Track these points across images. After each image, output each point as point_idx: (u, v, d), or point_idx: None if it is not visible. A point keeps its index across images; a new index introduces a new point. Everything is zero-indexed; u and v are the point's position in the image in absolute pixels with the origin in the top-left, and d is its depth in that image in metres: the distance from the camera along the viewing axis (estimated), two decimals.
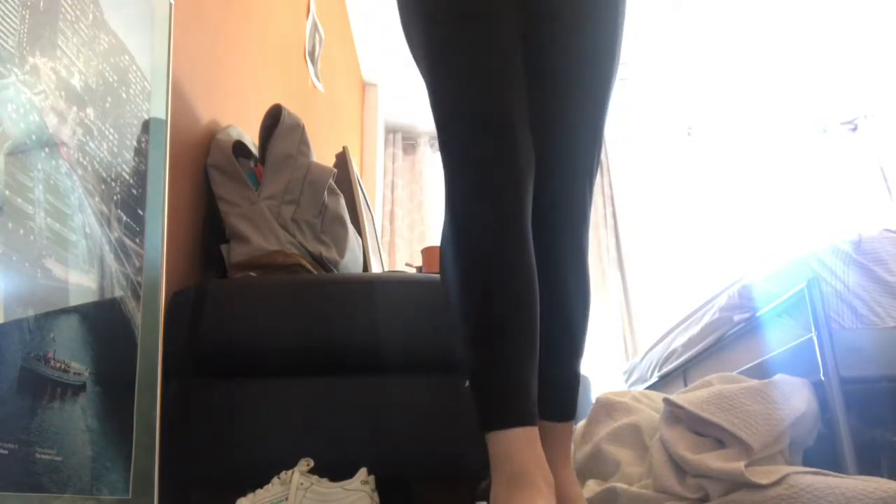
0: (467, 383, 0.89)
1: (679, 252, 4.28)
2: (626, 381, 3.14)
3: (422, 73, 0.99)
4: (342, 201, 1.59)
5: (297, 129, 1.53)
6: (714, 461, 1.10)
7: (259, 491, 0.93)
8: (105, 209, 0.93)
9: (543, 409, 0.91)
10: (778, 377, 1.28)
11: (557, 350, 1.00)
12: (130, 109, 1.03)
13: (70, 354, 0.82)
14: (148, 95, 1.09)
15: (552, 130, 1.01)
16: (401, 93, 4.23)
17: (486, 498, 0.86)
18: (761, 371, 1.70)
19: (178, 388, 1.16)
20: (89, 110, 0.90)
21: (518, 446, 0.83)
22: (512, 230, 0.88)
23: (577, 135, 1.03)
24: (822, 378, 1.40)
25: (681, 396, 1.24)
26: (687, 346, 2.33)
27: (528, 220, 0.90)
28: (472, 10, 0.94)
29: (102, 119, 0.94)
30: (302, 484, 0.92)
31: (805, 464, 1.21)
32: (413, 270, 2.27)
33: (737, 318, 1.97)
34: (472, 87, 0.92)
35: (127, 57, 1.03)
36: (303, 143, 1.53)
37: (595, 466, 1.39)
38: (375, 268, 2.02)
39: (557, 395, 0.99)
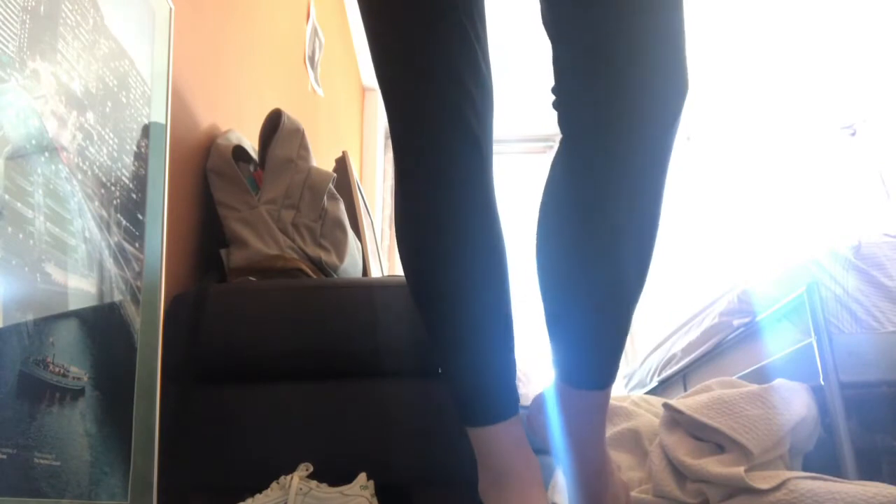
0: None
1: (678, 257, 4.28)
2: (626, 385, 3.14)
3: None
4: (342, 206, 1.59)
5: (297, 133, 1.53)
6: (714, 466, 1.10)
7: (258, 496, 0.93)
8: (105, 213, 0.93)
9: (564, 373, 0.82)
10: (778, 382, 1.28)
11: (583, 300, 0.78)
12: (130, 114, 1.03)
13: (69, 359, 0.82)
14: (148, 100, 1.09)
15: None
16: None
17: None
18: (761, 376, 1.70)
19: (177, 393, 1.16)
20: (89, 115, 0.91)
21: (497, 443, 0.81)
22: (441, 220, 0.79)
23: None
24: (822, 383, 1.40)
25: (680, 401, 1.24)
26: (686, 350, 2.33)
27: (467, 203, 0.79)
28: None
29: (102, 123, 0.94)
30: (301, 489, 0.92)
31: (805, 469, 1.21)
32: None
33: (736, 322, 1.97)
34: (382, 71, 0.83)
35: (127, 61, 1.03)
36: (303, 147, 1.53)
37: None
38: (375, 272, 2.02)
39: (582, 354, 0.81)
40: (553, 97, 0.78)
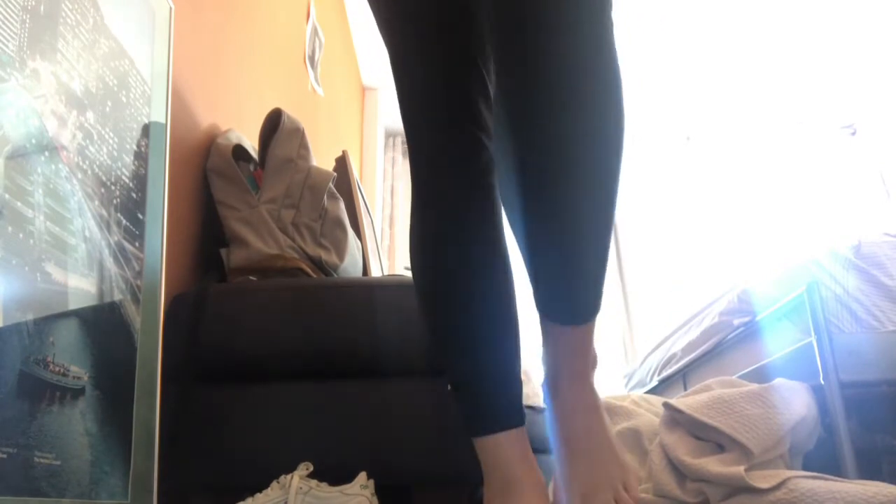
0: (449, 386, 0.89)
1: (678, 257, 4.28)
2: (626, 385, 3.14)
3: None
4: (342, 205, 1.59)
5: (297, 133, 1.53)
6: (714, 465, 1.10)
7: (258, 495, 0.93)
8: (105, 213, 0.93)
9: (545, 308, 0.83)
10: (778, 381, 1.28)
11: (552, 233, 0.77)
12: (130, 113, 1.03)
13: (69, 358, 0.82)
14: (148, 99, 1.09)
15: None
16: None
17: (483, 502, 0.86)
18: (761, 375, 1.70)
19: (177, 392, 1.15)
20: (89, 114, 0.91)
21: (503, 452, 0.83)
22: (450, 232, 0.83)
23: None
24: (822, 382, 1.40)
25: (680, 400, 1.24)
26: (686, 350, 2.33)
27: (477, 215, 0.83)
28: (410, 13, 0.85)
29: (102, 123, 0.94)
30: (301, 488, 0.92)
31: (805, 468, 1.21)
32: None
33: (736, 322, 1.97)
34: (401, 91, 0.88)
35: (127, 61, 1.03)
36: (303, 147, 1.53)
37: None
38: (375, 272, 2.02)
39: (553, 291, 0.81)
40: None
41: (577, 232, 0.77)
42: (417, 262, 0.87)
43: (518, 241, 0.86)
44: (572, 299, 0.81)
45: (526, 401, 2.61)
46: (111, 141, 0.96)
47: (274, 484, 0.94)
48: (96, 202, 0.91)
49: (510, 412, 0.84)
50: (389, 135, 4.55)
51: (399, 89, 0.88)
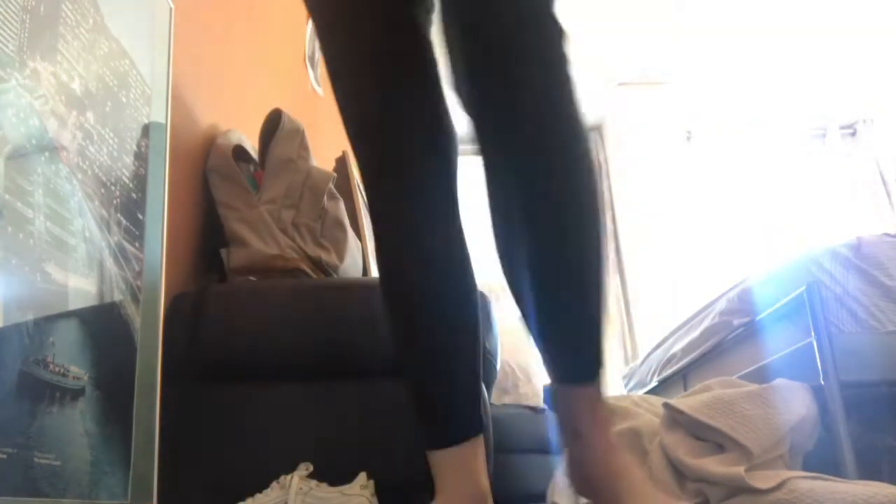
0: None
1: (678, 256, 4.28)
2: (626, 385, 3.14)
3: None
4: (342, 206, 1.59)
5: (297, 133, 1.53)
6: (714, 466, 1.10)
7: (258, 496, 0.93)
8: (105, 213, 0.93)
9: (551, 368, 0.81)
10: (778, 381, 1.28)
11: (546, 285, 0.76)
12: (130, 114, 1.03)
13: (69, 358, 0.82)
14: (148, 100, 1.09)
15: None
16: None
17: None
18: (761, 375, 1.70)
19: (177, 393, 1.15)
20: (89, 114, 0.91)
21: (438, 466, 0.83)
22: (411, 245, 0.83)
23: None
24: (822, 382, 1.40)
25: (680, 401, 1.24)
26: (686, 350, 2.33)
27: (439, 227, 0.84)
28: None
29: (102, 123, 0.94)
30: (301, 489, 0.92)
31: (805, 468, 1.21)
32: None
33: (736, 322, 1.97)
34: (344, 97, 0.88)
35: (127, 61, 1.03)
36: (303, 147, 1.53)
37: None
38: (375, 272, 2.02)
39: (557, 351, 0.79)
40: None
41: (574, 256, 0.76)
42: (378, 269, 0.87)
43: (521, 301, 0.82)
44: (591, 351, 0.79)
45: (526, 401, 2.61)
46: (111, 141, 0.96)
47: (274, 484, 0.94)
48: (96, 202, 0.91)
49: (442, 432, 0.84)
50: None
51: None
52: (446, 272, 0.85)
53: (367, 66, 0.85)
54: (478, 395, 0.87)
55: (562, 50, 0.73)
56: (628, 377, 3.12)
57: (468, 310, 0.87)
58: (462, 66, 0.75)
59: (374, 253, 0.88)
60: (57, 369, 0.79)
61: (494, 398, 2.46)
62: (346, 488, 0.93)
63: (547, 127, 0.72)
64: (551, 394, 0.82)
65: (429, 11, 0.88)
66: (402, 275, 0.85)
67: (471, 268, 0.88)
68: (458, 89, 0.77)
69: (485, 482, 0.84)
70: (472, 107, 0.75)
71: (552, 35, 0.73)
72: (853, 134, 4.60)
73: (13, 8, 0.74)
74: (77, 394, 0.83)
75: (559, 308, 0.77)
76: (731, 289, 2.09)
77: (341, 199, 1.60)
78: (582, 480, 0.81)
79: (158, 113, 1.13)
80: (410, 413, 0.87)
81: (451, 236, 0.87)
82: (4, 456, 0.69)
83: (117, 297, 0.94)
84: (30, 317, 0.75)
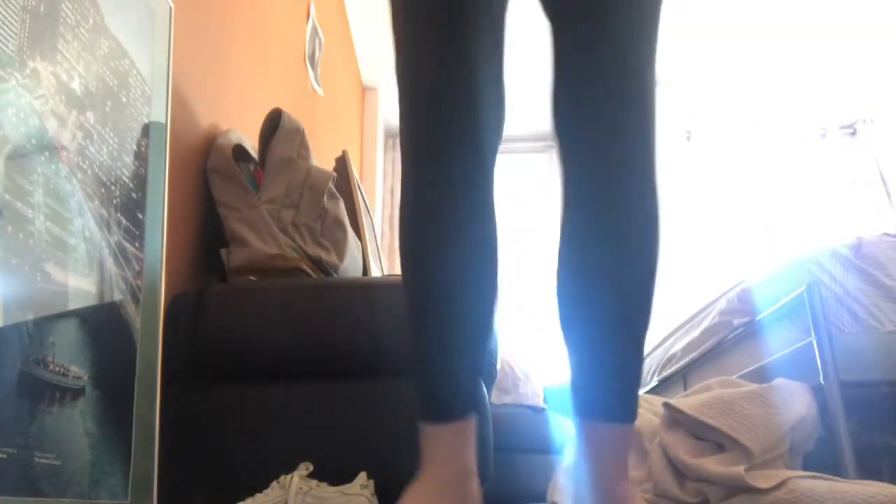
0: None
1: (678, 256, 4.28)
2: None
3: None
4: (342, 205, 1.59)
5: (297, 133, 1.53)
6: (714, 465, 1.10)
7: (258, 495, 0.93)
8: (105, 213, 0.93)
9: (581, 405, 0.81)
10: (778, 381, 1.28)
11: (593, 318, 0.80)
12: (130, 113, 1.03)
13: (69, 358, 0.81)
14: (148, 99, 1.09)
15: None
16: None
17: None
18: (761, 375, 1.70)
19: (177, 392, 1.16)
20: (89, 114, 0.90)
21: (427, 440, 0.82)
22: (434, 213, 0.81)
23: None
24: (822, 382, 1.40)
25: (681, 401, 1.24)
26: (686, 349, 2.33)
27: (468, 200, 0.82)
28: None
29: (102, 123, 0.94)
30: (301, 488, 0.92)
31: (805, 468, 1.21)
32: None
33: (736, 322, 1.97)
34: (404, 56, 0.84)
35: (127, 61, 1.03)
36: (303, 147, 1.53)
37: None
38: (375, 272, 2.02)
39: (591, 388, 0.81)
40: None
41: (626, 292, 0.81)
42: (404, 228, 0.85)
43: (567, 333, 0.84)
44: (628, 386, 0.81)
45: (526, 401, 2.61)
46: (111, 141, 0.96)
47: (274, 484, 0.94)
48: (96, 202, 0.90)
49: (435, 406, 0.82)
50: (389, 135, 4.55)
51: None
52: (479, 242, 0.84)
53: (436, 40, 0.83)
54: (478, 374, 0.87)
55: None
56: None
57: (493, 287, 0.86)
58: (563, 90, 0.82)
59: (400, 207, 0.86)
60: (57, 369, 0.79)
61: (494, 398, 2.46)
62: (346, 488, 0.93)
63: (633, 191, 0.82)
64: (579, 433, 0.83)
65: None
66: (438, 230, 0.83)
67: (497, 254, 0.87)
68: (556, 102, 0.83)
69: (472, 462, 0.84)
70: (565, 129, 0.82)
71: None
72: (853, 134, 4.60)
73: (13, 8, 0.74)
74: (77, 394, 0.83)
75: (615, 350, 0.81)
76: (731, 289, 2.09)
77: (341, 198, 1.60)
78: None
79: (158, 113, 1.13)
80: (414, 385, 0.85)
81: (487, 207, 0.85)
82: (4, 456, 0.69)
83: (117, 297, 0.94)
84: (30, 317, 0.74)
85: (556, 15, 0.84)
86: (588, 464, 0.82)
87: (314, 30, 2.77)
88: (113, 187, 0.96)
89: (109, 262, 0.93)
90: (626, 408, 0.81)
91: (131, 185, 1.01)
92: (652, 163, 0.85)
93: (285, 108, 1.58)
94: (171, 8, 1.21)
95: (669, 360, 2.51)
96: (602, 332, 0.80)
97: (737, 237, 4.33)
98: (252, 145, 1.65)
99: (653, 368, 2.71)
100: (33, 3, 0.78)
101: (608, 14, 0.81)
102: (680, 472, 1.17)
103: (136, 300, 1.00)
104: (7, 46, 0.73)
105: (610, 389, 0.81)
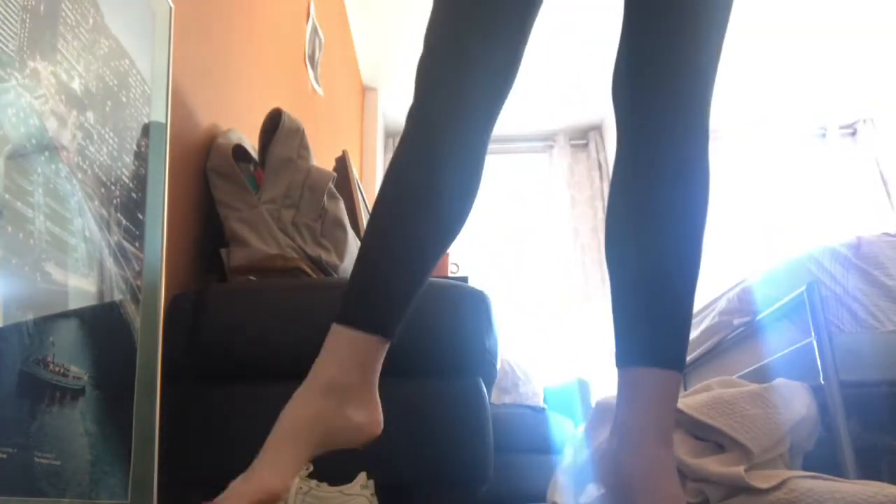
0: None
1: None
2: None
3: None
4: (342, 205, 1.59)
5: (297, 133, 1.53)
6: (714, 465, 1.10)
7: None
8: (105, 213, 0.93)
9: (628, 350, 0.80)
10: (778, 381, 1.28)
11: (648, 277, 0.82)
12: (130, 113, 1.03)
13: (69, 358, 0.82)
14: (148, 99, 1.09)
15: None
16: (401, 97, 4.23)
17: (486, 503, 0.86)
18: (761, 375, 1.70)
19: (177, 392, 1.15)
20: (89, 114, 0.91)
21: (334, 342, 0.81)
22: (429, 136, 0.83)
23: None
24: (822, 382, 1.40)
25: (680, 400, 1.24)
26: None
27: (459, 134, 0.84)
28: None
29: (102, 123, 0.94)
30: (301, 488, 0.92)
31: (805, 468, 1.21)
32: None
33: (736, 321, 1.97)
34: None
35: (127, 61, 1.03)
36: (303, 146, 1.53)
37: (596, 469, 1.38)
38: None
39: (640, 331, 0.80)
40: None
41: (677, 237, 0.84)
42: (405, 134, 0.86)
43: (619, 277, 0.87)
44: (680, 335, 0.81)
45: (526, 401, 2.61)
46: (111, 141, 0.96)
47: None
48: (96, 202, 0.91)
49: (356, 311, 0.81)
50: (389, 135, 4.55)
51: None
52: (467, 167, 0.86)
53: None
54: (412, 303, 0.85)
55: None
56: None
57: (468, 205, 0.87)
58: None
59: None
60: (57, 369, 0.79)
61: (494, 398, 2.46)
62: (346, 488, 0.93)
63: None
64: (621, 386, 0.80)
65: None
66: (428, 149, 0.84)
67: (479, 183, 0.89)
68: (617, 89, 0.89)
69: (367, 383, 0.82)
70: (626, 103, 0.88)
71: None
72: (853, 134, 4.60)
73: (13, 8, 0.74)
74: (77, 394, 0.83)
75: (670, 289, 0.82)
76: (731, 289, 2.09)
77: (341, 198, 1.60)
78: (610, 473, 0.78)
79: (158, 113, 1.13)
80: (350, 282, 0.84)
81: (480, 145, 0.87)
82: (4, 456, 0.69)
83: (117, 297, 0.94)
84: (30, 317, 0.75)
85: None
86: (630, 421, 0.76)
87: (314, 30, 2.77)
88: (113, 187, 0.96)
89: (109, 262, 0.93)
90: (677, 350, 0.78)
91: (131, 185, 1.01)
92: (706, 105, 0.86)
93: (285, 108, 1.58)
94: (171, 8, 1.21)
95: None
96: (656, 267, 0.81)
97: (737, 237, 4.33)
98: (252, 145, 1.65)
99: None
100: (33, 3, 0.78)
101: None
102: (680, 472, 1.17)
103: (136, 300, 1.00)
104: (7, 46, 0.73)
105: (660, 330, 0.79)
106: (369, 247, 0.84)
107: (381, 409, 0.85)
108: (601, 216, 4.41)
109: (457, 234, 0.88)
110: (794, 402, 1.22)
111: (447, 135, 0.84)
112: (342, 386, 0.81)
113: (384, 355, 0.84)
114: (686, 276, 0.83)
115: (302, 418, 0.80)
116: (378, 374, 0.85)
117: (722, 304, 2.09)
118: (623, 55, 0.89)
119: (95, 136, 0.92)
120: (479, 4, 0.85)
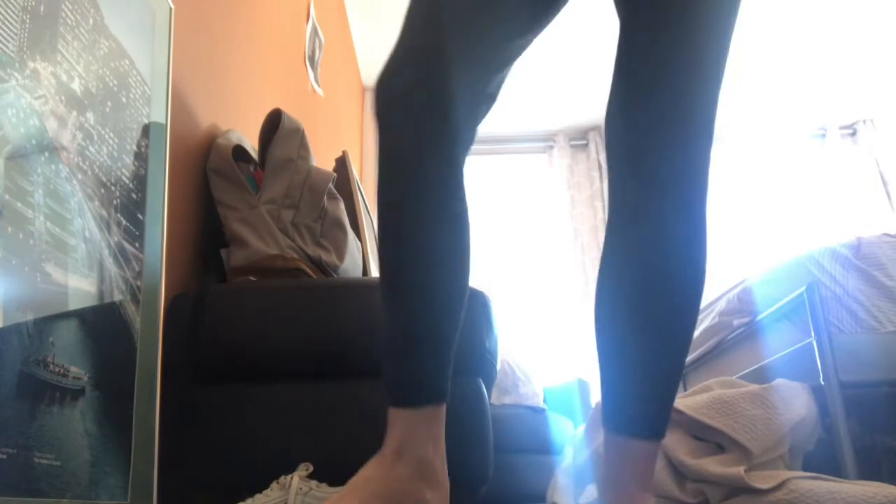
0: None
1: None
2: None
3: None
4: (342, 206, 1.59)
5: (297, 133, 1.53)
6: (714, 466, 1.10)
7: (258, 496, 0.93)
8: (105, 213, 0.93)
9: (614, 420, 0.81)
10: (778, 382, 1.28)
11: (638, 341, 0.80)
12: (130, 114, 1.03)
13: (69, 359, 0.82)
14: (148, 100, 1.09)
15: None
16: None
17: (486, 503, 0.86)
18: (761, 375, 1.70)
19: (177, 393, 1.16)
20: (89, 115, 0.91)
21: (396, 423, 0.81)
22: (410, 172, 0.78)
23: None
24: (822, 383, 1.40)
25: (680, 401, 1.24)
26: None
27: (440, 162, 0.79)
28: None
29: (102, 123, 0.94)
30: (301, 489, 0.92)
31: (805, 469, 1.21)
32: None
33: (736, 322, 1.97)
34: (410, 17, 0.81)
35: (127, 61, 1.03)
36: (303, 147, 1.53)
37: (595, 471, 1.38)
38: (375, 272, 2.02)
39: (625, 405, 0.81)
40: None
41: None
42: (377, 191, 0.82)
43: (604, 345, 0.83)
44: (664, 405, 0.81)
45: (526, 401, 2.61)
46: (111, 141, 0.96)
47: (274, 484, 0.94)
48: (96, 202, 0.91)
49: (433, 385, 0.80)
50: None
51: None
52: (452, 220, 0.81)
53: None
54: (451, 360, 0.84)
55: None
56: None
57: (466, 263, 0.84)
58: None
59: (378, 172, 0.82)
60: (57, 369, 0.79)
61: (494, 398, 2.46)
62: None
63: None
64: (608, 444, 0.82)
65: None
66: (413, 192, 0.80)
67: (469, 251, 0.85)
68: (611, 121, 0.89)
69: (437, 455, 0.82)
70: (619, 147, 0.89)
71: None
72: (853, 134, 4.61)
73: (13, 8, 0.74)
74: (77, 394, 0.83)
75: (650, 360, 0.79)
76: (731, 289, 2.09)
77: (341, 199, 1.60)
78: None
79: (158, 113, 1.13)
80: (383, 364, 0.82)
81: (456, 176, 0.82)
82: (4, 456, 0.69)
83: (117, 297, 0.94)
84: (30, 317, 0.75)
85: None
86: (613, 473, 0.81)
87: (314, 30, 2.77)
88: (113, 188, 0.96)
89: (109, 263, 0.93)
90: (659, 426, 0.80)
91: (131, 185, 1.01)
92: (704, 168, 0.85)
93: (285, 108, 1.58)
94: (171, 8, 1.21)
95: None
96: (643, 355, 0.79)
97: (737, 237, 4.33)
98: (252, 145, 1.65)
99: None
100: (33, 3, 0.79)
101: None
102: (680, 473, 1.17)
103: (136, 300, 1.00)
104: (7, 46, 0.73)
105: (645, 408, 0.80)
106: (395, 311, 0.82)
107: (449, 490, 0.84)
108: (601, 216, 4.41)
109: (468, 267, 0.85)
110: (794, 402, 1.22)
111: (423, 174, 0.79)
112: (418, 459, 0.81)
113: (445, 416, 0.83)
114: (679, 355, 0.81)
115: (375, 481, 0.81)
116: (444, 442, 0.84)
117: (722, 305, 2.09)
118: (621, 54, 0.88)
119: (95, 137, 0.92)
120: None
